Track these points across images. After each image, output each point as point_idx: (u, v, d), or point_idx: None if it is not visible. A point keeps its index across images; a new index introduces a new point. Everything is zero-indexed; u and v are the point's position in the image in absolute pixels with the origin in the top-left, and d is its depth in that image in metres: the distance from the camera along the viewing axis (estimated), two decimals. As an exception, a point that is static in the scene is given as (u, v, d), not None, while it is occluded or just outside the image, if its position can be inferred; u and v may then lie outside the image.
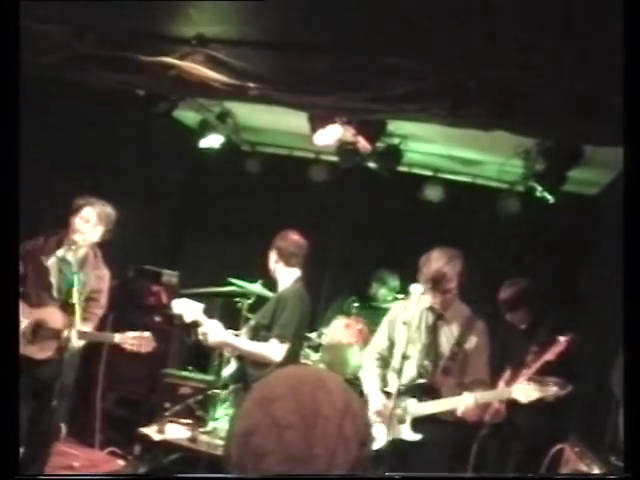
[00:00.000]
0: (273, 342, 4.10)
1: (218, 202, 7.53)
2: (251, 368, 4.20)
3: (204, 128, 6.53)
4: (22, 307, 4.26)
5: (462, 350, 3.67)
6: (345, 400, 1.13)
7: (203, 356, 6.77)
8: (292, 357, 4.18)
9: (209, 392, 6.02)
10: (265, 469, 1.06)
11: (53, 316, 4.20)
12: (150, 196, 6.52)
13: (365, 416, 1.15)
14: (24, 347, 4.20)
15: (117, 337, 4.23)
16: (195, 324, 4.17)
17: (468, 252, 3.88)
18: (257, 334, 4.22)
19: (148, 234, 6.52)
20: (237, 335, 4.39)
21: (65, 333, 4.07)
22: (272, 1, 3.01)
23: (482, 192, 6.61)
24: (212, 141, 6.65)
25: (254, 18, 3.07)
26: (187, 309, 4.17)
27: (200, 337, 4.21)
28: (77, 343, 4.18)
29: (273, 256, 4.33)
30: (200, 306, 4.24)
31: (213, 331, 4.14)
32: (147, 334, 4.28)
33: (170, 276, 6.44)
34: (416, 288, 3.60)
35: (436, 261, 3.65)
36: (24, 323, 4.19)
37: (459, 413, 3.48)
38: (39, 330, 4.21)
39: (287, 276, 4.31)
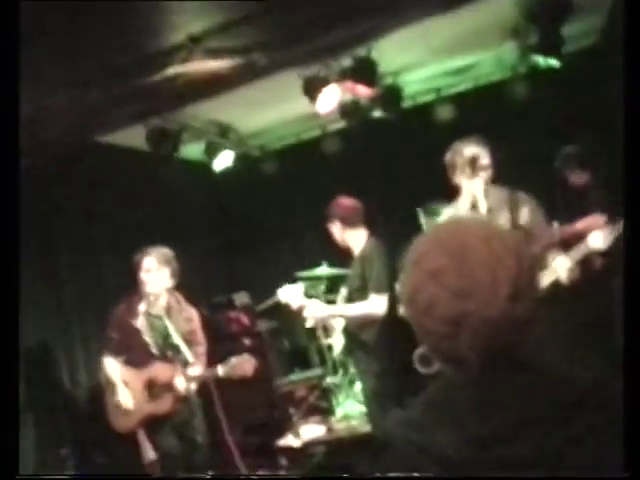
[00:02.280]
0: (373, 297, 4.16)
1: (251, 212, 7.63)
2: (357, 334, 4.26)
3: (211, 150, 6.61)
4: (130, 372, 4.41)
5: (520, 227, 3.65)
6: (484, 228, 1.18)
7: (303, 355, 6.88)
8: (392, 307, 4.22)
9: (323, 384, 6.12)
10: (438, 315, 1.11)
11: (160, 371, 4.32)
12: (184, 233, 6.64)
13: (512, 234, 1.18)
14: (144, 407, 4.34)
15: (220, 370, 4.28)
16: (301, 309, 4.22)
17: (499, 147, 3.88)
18: (352, 300, 4.27)
19: (198, 269, 6.63)
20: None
21: (176, 383, 4.18)
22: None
23: (489, 90, 6.58)
24: (224, 160, 6.71)
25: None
26: (291, 295, 4.23)
27: (308, 319, 4.25)
28: (190, 387, 4.29)
29: (337, 227, 4.36)
30: (300, 287, 4.30)
31: (317, 309, 4.20)
32: (246, 356, 4.33)
33: (241, 297, 6.54)
34: (463, 184, 3.65)
35: (466, 147, 3.69)
36: (138, 385, 4.33)
37: (564, 280, 3.45)
38: (153, 388, 4.33)
39: (358, 238, 4.36)
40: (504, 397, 1.08)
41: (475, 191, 3.67)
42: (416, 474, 1.10)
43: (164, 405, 4.31)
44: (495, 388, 1.10)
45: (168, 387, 4.27)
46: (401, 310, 5.57)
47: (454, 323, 1.10)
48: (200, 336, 4.55)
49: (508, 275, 1.11)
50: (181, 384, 4.21)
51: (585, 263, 3.56)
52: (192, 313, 4.57)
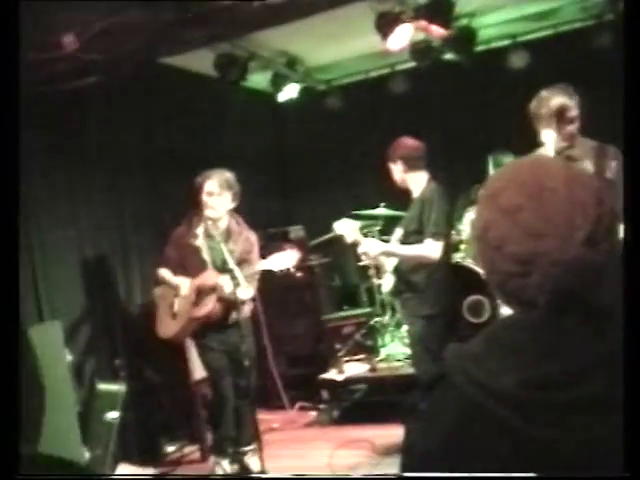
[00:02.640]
0: (429, 241, 4.15)
1: (311, 147, 7.60)
2: (408, 276, 4.26)
3: (277, 82, 6.57)
4: (186, 281, 4.51)
5: (604, 180, 3.53)
6: (565, 169, 1.14)
7: (352, 293, 6.93)
8: (447, 252, 4.22)
9: (371, 322, 6.17)
10: (509, 253, 1.09)
11: (209, 277, 4.42)
12: (243, 162, 6.67)
13: (594, 179, 1.14)
14: (190, 311, 4.45)
15: (262, 264, 4.35)
16: (355, 243, 4.25)
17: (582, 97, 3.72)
18: (407, 242, 4.26)
19: (255, 199, 6.67)
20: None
21: (225, 287, 4.24)
22: None
23: (569, 39, 6.32)
24: (289, 92, 6.69)
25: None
26: (347, 228, 4.26)
27: (362, 255, 4.29)
28: (242, 311, 4.37)
29: (398, 167, 4.32)
30: (357, 224, 4.33)
31: (373, 246, 4.22)
32: (289, 251, 4.36)
33: (297, 231, 6.59)
34: (547, 135, 3.52)
35: (553, 97, 3.56)
36: (188, 292, 4.44)
37: None
38: (200, 294, 4.44)
39: (419, 180, 4.32)
40: (569, 343, 1.07)
41: (559, 143, 3.55)
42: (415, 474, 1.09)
43: (206, 307, 4.42)
44: (560, 333, 1.08)
45: (211, 289, 4.37)
46: (457, 255, 5.56)
47: (525, 262, 1.08)
48: (256, 256, 4.62)
49: (586, 220, 1.07)
50: (227, 284, 4.25)
51: None
52: (251, 235, 4.65)
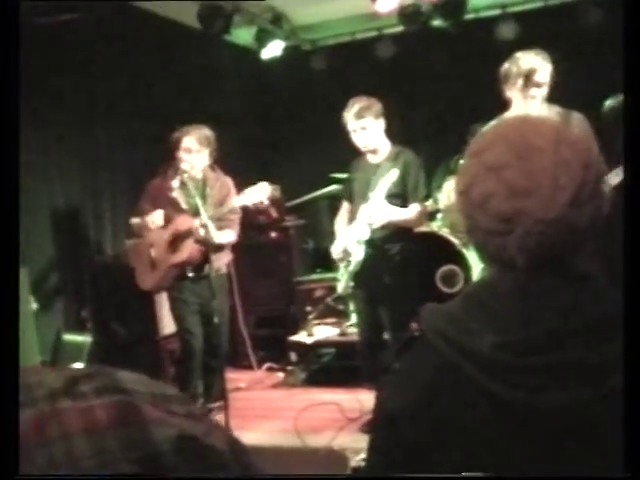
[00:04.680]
0: (414, 206, 4.15)
1: (293, 107, 7.50)
2: (381, 246, 4.22)
3: (262, 38, 6.45)
4: (159, 231, 4.44)
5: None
6: (555, 128, 1.11)
7: (325, 257, 6.88)
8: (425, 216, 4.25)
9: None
10: (492, 211, 1.06)
11: (181, 220, 4.36)
12: (226, 120, 6.57)
13: (582, 141, 1.10)
14: (168, 259, 4.40)
15: (236, 200, 4.25)
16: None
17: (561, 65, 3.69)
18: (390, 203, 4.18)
19: (232, 156, 6.59)
20: None
21: (200, 231, 4.18)
22: None
23: (559, 12, 6.25)
24: (273, 49, 6.58)
25: None
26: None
27: (368, 221, 4.09)
28: (215, 266, 4.31)
29: (379, 127, 4.23)
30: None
31: (381, 211, 4.04)
32: (262, 183, 4.25)
33: (273, 191, 6.49)
34: (512, 95, 3.52)
35: (526, 58, 3.53)
36: (163, 241, 4.37)
37: None
38: (176, 241, 4.39)
39: (388, 145, 4.28)
40: (547, 305, 1.04)
41: (525, 107, 3.53)
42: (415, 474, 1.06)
43: (183, 253, 4.37)
44: (540, 295, 1.05)
45: (187, 234, 4.31)
46: (433, 225, 5.55)
47: (507, 220, 1.05)
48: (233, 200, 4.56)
49: (572, 181, 1.04)
50: (200, 228, 4.19)
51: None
52: (227, 180, 4.58)
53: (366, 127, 4.11)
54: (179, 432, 0.56)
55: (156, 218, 4.40)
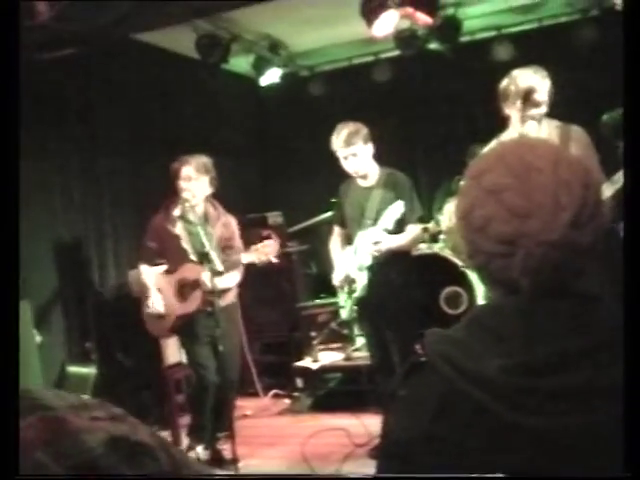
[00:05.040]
0: (411, 227, 4.16)
1: (292, 133, 7.53)
2: (383, 270, 4.21)
3: (260, 65, 6.50)
4: (164, 278, 4.45)
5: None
6: (554, 150, 1.11)
7: (329, 281, 6.87)
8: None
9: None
10: (493, 233, 1.06)
11: (189, 270, 4.35)
12: (226, 147, 6.60)
13: (581, 162, 1.11)
14: (176, 309, 4.40)
15: (244, 257, 4.29)
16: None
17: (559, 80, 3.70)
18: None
19: (233, 185, 6.60)
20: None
21: (206, 281, 4.20)
22: None
23: (554, 32, 6.31)
24: (271, 76, 6.63)
25: None
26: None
27: (373, 247, 4.07)
28: (222, 297, 4.31)
29: (369, 151, 4.24)
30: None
31: (387, 238, 4.07)
32: (269, 241, 4.32)
33: (275, 217, 6.52)
34: (511, 114, 3.53)
35: (523, 77, 3.53)
36: (171, 289, 4.39)
37: None
38: (183, 289, 4.38)
39: (377, 168, 4.29)
40: (552, 327, 1.03)
41: (524, 128, 3.54)
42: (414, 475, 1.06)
43: (193, 303, 4.37)
44: (544, 317, 1.05)
45: (196, 285, 4.31)
46: (435, 246, 5.54)
47: (509, 242, 1.05)
48: (238, 242, 4.56)
49: (572, 202, 1.04)
50: (207, 279, 4.19)
51: None
52: (230, 219, 4.57)
53: (356, 153, 4.13)
54: (108, 434, 0.60)
55: (157, 306, 4.43)
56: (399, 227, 4.14)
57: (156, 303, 4.41)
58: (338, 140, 4.14)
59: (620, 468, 0.95)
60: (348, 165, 4.18)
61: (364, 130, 4.17)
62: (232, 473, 4.33)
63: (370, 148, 4.19)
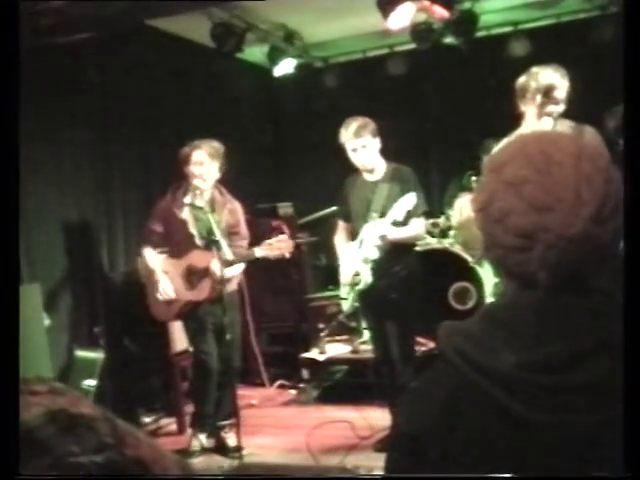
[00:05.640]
0: (415, 221, 4.16)
1: (305, 124, 7.50)
2: (387, 264, 4.19)
3: (274, 55, 6.48)
4: (170, 262, 4.45)
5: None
6: (576, 143, 1.09)
7: (337, 273, 6.86)
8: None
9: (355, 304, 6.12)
10: (512, 226, 1.04)
11: (198, 257, 4.35)
12: (239, 137, 6.59)
13: (604, 156, 1.09)
14: (183, 295, 4.40)
15: (257, 251, 4.29)
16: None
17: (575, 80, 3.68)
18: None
19: (245, 174, 6.58)
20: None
21: (216, 270, 4.20)
22: None
23: (571, 29, 6.26)
24: (285, 67, 6.61)
25: None
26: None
27: (379, 239, 4.05)
28: (226, 286, 4.31)
29: (376, 145, 4.23)
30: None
31: (392, 230, 4.07)
32: (283, 236, 4.33)
33: (285, 208, 6.52)
34: (528, 110, 3.50)
35: (544, 74, 3.51)
36: (177, 274, 4.39)
37: None
38: (191, 276, 4.38)
39: (384, 163, 4.27)
40: (568, 323, 1.02)
41: (538, 123, 3.52)
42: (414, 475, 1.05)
43: (202, 292, 4.38)
44: (561, 313, 1.03)
45: (205, 273, 4.31)
46: (445, 241, 5.51)
47: (528, 236, 1.03)
48: (244, 228, 4.57)
49: (594, 196, 1.03)
50: (217, 268, 4.21)
51: None
52: (237, 205, 4.58)
53: (366, 145, 4.14)
54: (45, 408, 0.62)
55: (167, 290, 4.42)
56: (407, 220, 4.14)
57: (167, 288, 4.41)
58: (347, 132, 4.14)
59: (620, 468, 0.94)
60: (357, 157, 4.18)
61: (372, 124, 4.18)
62: (236, 462, 4.35)
63: (378, 143, 4.19)
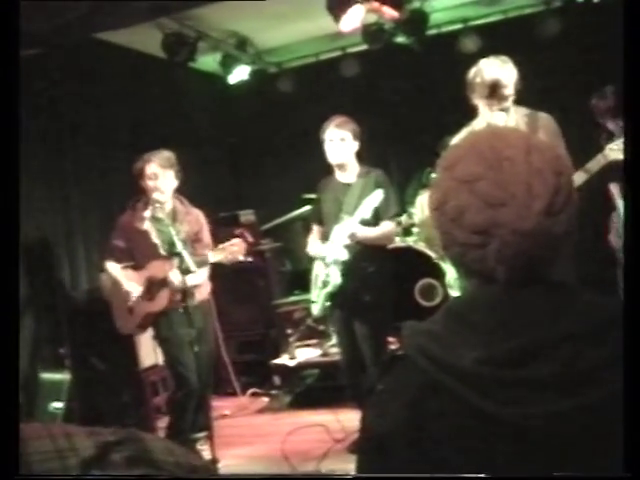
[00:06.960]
0: (386, 223, 4.18)
1: (262, 130, 7.50)
2: (358, 264, 4.20)
3: (227, 63, 6.48)
4: (133, 274, 4.39)
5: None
6: (525, 138, 1.11)
7: (303, 278, 6.86)
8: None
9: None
10: (467, 224, 1.05)
11: (157, 268, 4.30)
12: (196, 146, 6.54)
13: (552, 149, 1.11)
14: (143, 307, 4.34)
15: (211, 256, 4.24)
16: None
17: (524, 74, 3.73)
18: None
19: (205, 184, 6.53)
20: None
21: (174, 280, 4.15)
22: None
23: (519, 23, 6.36)
24: (239, 74, 6.61)
25: None
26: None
27: (348, 237, 4.06)
28: (198, 289, 4.27)
29: (354, 146, 4.24)
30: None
31: (361, 228, 4.08)
32: (236, 240, 4.27)
33: (247, 215, 6.49)
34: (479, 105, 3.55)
35: (490, 69, 3.54)
36: (139, 288, 4.33)
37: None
38: (152, 287, 4.32)
39: (357, 165, 4.29)
40: (528, 316, 1.03)
41: (493, 117, 3.56)
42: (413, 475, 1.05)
43: (160, 302, 4.31)
44: (520, 306, 1.04)
45: (164, 283, 4.25)
46: (409, 239, 5.54)
47: (483, 233, 1.04)
48: (207, 235, 4.53)
49: (546, 189, 1.04)
50: (176, 278, 4.16)
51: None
52: (198, 213, 4.54)
53: (345, 139, 4.16)
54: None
55: (134, 291, 4.37)
56: (376, 219, 4.14)
57: (135, 291, 4.34)
58: (330, 123, 4.18)
59: (620, 468, 0.94)
60: (332, 149, 4.18)
61: (357, 127, 4.22)
62: (213, 475, 4.28)
63: (356, 145, 4.22)
